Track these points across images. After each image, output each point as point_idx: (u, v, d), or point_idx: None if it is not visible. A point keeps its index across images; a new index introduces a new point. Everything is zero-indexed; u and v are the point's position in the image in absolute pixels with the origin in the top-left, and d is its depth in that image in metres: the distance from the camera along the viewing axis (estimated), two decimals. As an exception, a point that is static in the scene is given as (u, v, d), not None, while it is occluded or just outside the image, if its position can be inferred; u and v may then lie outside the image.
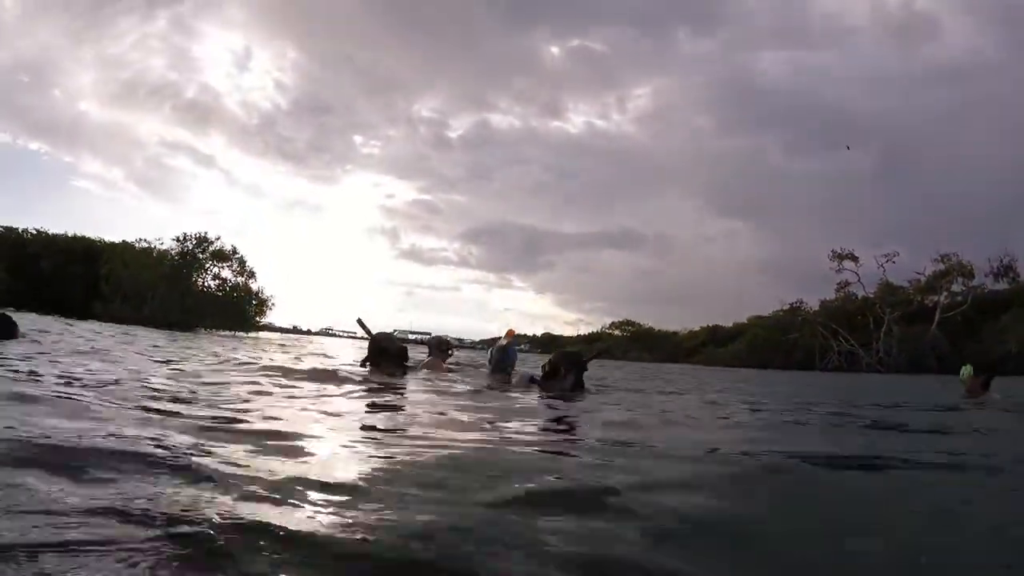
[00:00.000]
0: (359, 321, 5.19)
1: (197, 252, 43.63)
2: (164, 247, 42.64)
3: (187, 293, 39.59)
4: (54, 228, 45.78)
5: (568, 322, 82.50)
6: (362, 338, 5.35)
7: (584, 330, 63.10)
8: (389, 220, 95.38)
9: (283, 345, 16.61)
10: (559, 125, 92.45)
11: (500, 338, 6.56)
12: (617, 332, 56.99)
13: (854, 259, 42.40)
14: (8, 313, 5.95)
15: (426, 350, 6.56)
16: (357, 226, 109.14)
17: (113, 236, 43.87)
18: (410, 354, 5.68)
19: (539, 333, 67.44)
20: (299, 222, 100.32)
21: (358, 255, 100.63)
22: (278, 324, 57.03)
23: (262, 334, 34.72)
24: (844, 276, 42.84)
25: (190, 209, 79.48)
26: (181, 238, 43.24)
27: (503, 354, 5.99)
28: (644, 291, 79.01)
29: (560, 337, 60.20)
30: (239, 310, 42.23)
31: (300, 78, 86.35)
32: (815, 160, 75.59)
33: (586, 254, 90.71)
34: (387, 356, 4.89)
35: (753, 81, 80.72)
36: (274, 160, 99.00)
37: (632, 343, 51.05)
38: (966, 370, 6.60)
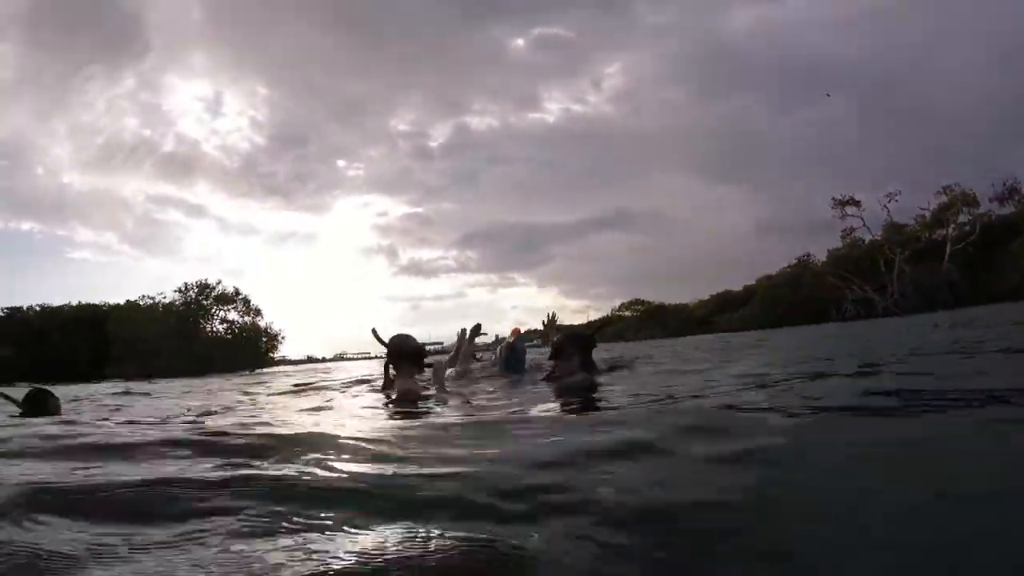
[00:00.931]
0: (373, 331, 5.15)
1: (201, 299, 44.66)
2: (168, 300, 43.65)
3: (196, 340, 40.24)
4: (58, 301, 47.17)
5: (576, 310, 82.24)
6: (379, 356, 5.38)
7: (593, 315, 62.98)
8: (384, 238, 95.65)
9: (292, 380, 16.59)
10: (537, 116, 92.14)
11: (507, 337, 6.60)
12: (627, 313, 56.87)
13: (856, 204, 42.06)
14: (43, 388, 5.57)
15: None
16: (354, 248, 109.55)
17: (117, 298, 45.63)
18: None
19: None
20: (296, 254, 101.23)
21: (359, 277, 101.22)
22: (292, 357, 57.79)
23: (278, 368, 35.09)
24: (848, 222, 42.59)
25: (187, 259, 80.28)
26: (183, 288, 44.75)
27: (511, 352, 6.04)
28: (648, 269, 78.80)
29: (572, 327, 59.50)
30: (250, 349, 42.93)
31: (274, 113, 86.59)
32: (798, 113, 75.29)
33: (583, 241, 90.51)
34: (404, 357, 4.76)
35: (722, 43, 79.80)
36: (261, 198, 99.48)
37: (644, 322, 51.05)
38: None
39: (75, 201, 77.78)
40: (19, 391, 6.54)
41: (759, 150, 78.01)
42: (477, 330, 6.48)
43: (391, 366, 4.80)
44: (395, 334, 4.87)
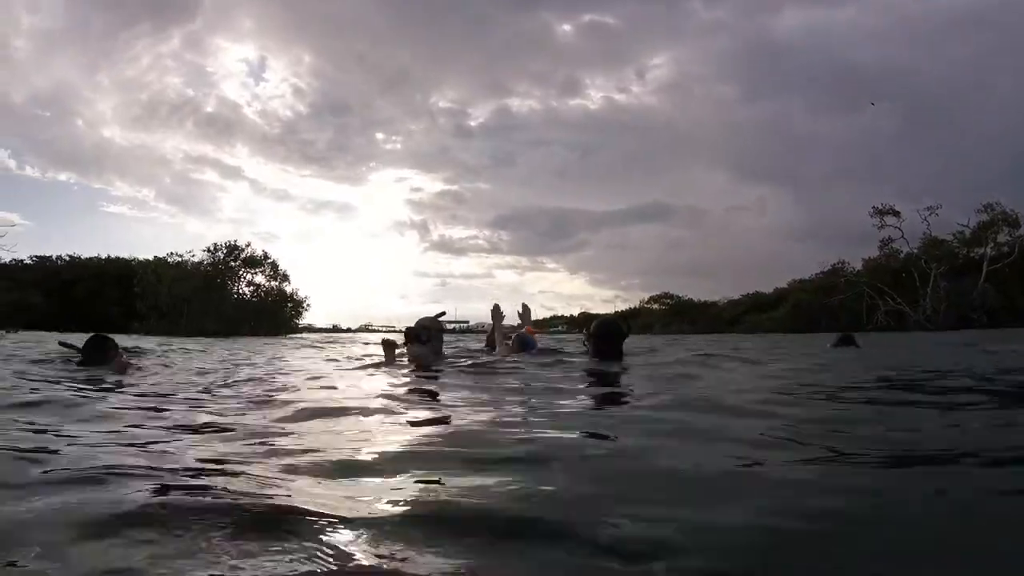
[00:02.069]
0: (441, 314, 6.04)
1: (229, 261, 45.67)
2: (196, 259, 44.80)
3: (222, 302, 41.47)
4: (91, 253, 48.29)
5: (605, 300, 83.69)
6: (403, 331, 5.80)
7: (621, 306, 63.87)
8: (418, 213, 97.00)
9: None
10: (579, 103, 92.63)
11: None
12: (656, 306, 58.01)
13: (896, 214, 42.46)
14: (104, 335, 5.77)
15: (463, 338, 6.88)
16: (387, 222, 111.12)
17: (148, 255, 45.93)
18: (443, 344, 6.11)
19: (576, 313, 68.88)
20: (329, 223, 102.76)
21: (390, 250, 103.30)
22: (318, 325, 59.54)
23: (303, 335, 36.22)
24: (886, 232, 42.91)
25: (221, 220, 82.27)
26: (212, 248, 45.35)
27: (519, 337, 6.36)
28: (679, 263, 79.75)
29: (599, 316, 60.13)
30: (276, 314, 44.08)
31: (316, 82, 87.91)
32: (842, 120, 74.80)
33: (617, 231, 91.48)
34: (411, 339, 5.46)
35: (772, 43, 79.74)
36: (298, 164, 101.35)
37: (672, 316, 52.13)
38: None
39: (114, 155, 79.54)
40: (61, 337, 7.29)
41: (800, 154, 78.19)
42: (496, 311, 6.54)
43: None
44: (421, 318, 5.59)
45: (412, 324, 5.52)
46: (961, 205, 41.98)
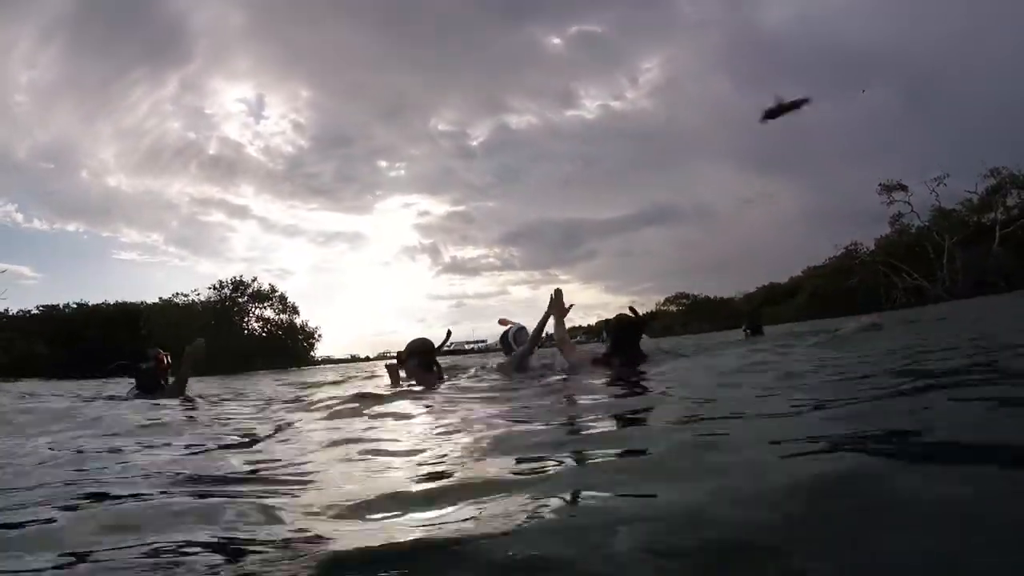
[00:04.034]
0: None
1: (236, 297, 46.29)
2: (202, 297, 45.43)
3: (233, 338, 41.36)
4: (100, 300, 48.91)
5: (621, 307, 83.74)
6: None
7: (638, 311, 64.98)
8: (427, 237, 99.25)
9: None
10: (575, 114, 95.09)
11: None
12: (672, 307, 59.25)
13: (903, 188, 43.05)
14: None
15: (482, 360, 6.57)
16: (397, 248, 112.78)
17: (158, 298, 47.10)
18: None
19: (593, 322, 70.09)
20: (341, 254, 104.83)
21: (403, 276, 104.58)
22: (337, 356, 60.03)
23: (320, 367, 36.62)
24: (895, 208, 43.64)
25: (232, 259, 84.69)
26: (217, 285, 45.78)
27: (505, 343, 6.33)
28: (692, 263, 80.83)
29: (616, 316, 61.32)
30: (287, 347, 45.06)
31: (316, 115, 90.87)
32: (840, 103, 76.41)
33: (626, 236, 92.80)
34: (399, 362, 5.52)
35: (762, 34, 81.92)
36: (305, 199, 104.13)
37: (689, 316, 53.29)
38: None
39: (121, 203, 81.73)
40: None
41: (801, 140, 79.05)
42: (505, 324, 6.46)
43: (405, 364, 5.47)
44: (415, 338, 5.53)
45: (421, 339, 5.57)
46: (968, 174, 42.70)
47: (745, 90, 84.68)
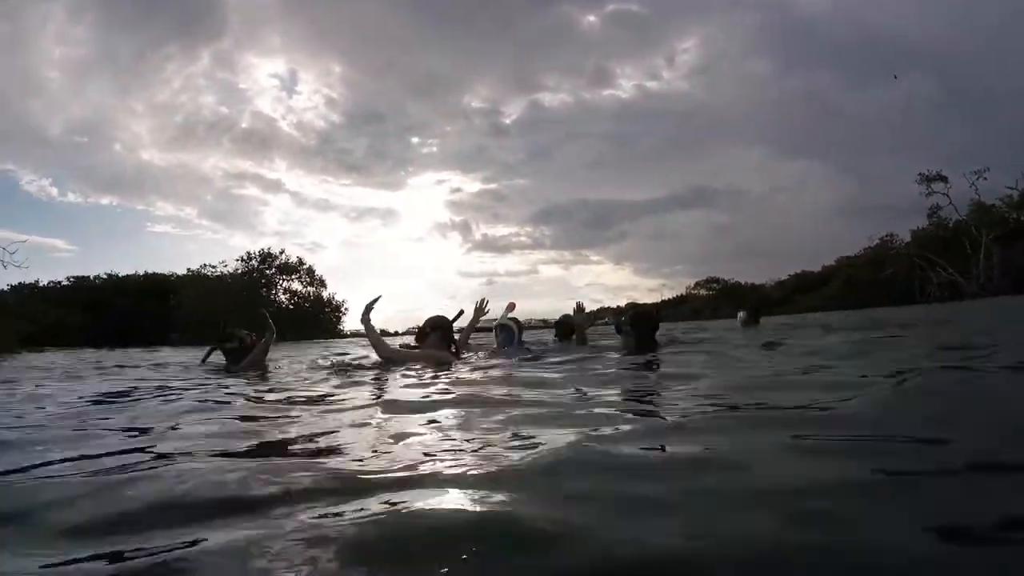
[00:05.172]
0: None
1: (264, 269, 47.06)
2: (230, 269, 46.48)
3: (261, 308, 42.63)
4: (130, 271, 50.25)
5: (651, 289, 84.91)
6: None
7: (668, 294, 64.86)
8: (459, 214, 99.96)
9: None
10: (610, 93, 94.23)
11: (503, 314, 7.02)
12: (703, 292, 59.82)
13: (943, 180, 42.99)
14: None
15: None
16: (429, 224, 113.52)
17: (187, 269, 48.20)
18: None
19: (623, 304, 70.72)
20: (373, 229, 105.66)
21: (435, 252, 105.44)
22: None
23: (351, 340, 37.31)
24: (934, 200, 43.62)
25: (265, 233, 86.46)
26: (245, 257, 46.93)
27: (502, 332, 6.65)
28: (723, 247, 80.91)
29: (644, 305, 61.88)
30: (315, 319, 46.13)
31: (349, 91, 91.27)
32: (878, 91, 75.49)
33: (659, 218, 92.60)
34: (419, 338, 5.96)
35: (801, 17, 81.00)
36: (337, 174, 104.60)
37: (719, 300, 53.84)
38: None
39: (154, 176, 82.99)
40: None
41: (839, 127, 79.09)
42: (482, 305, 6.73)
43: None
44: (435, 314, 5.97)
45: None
46: (1008, 169, 42.49)
47: (782, 73, 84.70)
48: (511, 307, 7.09)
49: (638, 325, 6.01)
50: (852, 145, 77.78)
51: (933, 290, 40.27)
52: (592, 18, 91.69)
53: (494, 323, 6.97)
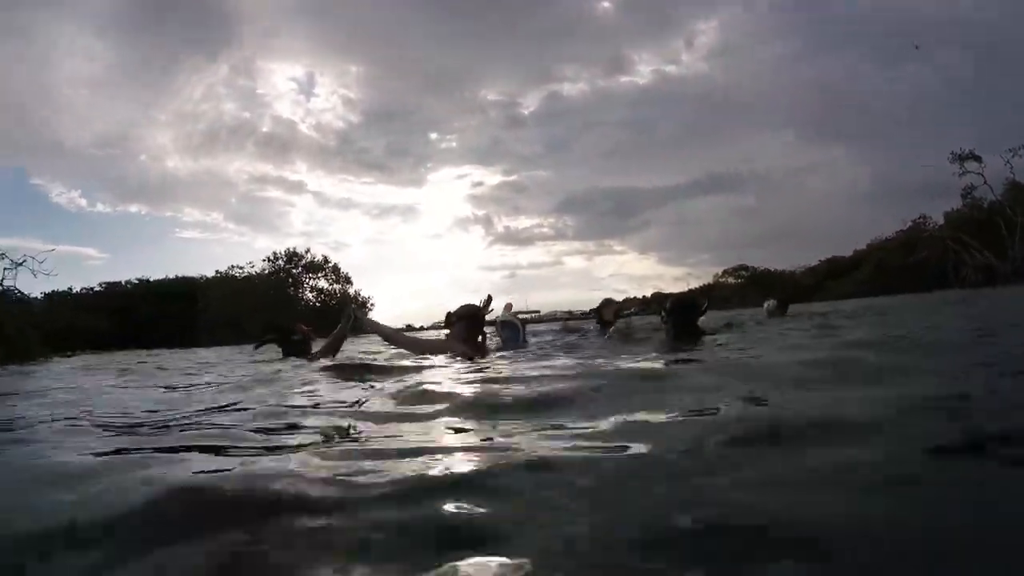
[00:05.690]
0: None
1: (290, 268, 48.80)
2: (257, 270, 48.01)
3: (289, 307, 43.50)
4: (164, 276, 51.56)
5: (676, 278, 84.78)
6: None
7: (694, 283, 64.47)
8: (480, 208, 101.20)
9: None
10: (629, 80, 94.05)
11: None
12: (731, 279, 59.60)
13: (977, 159, 41.94)
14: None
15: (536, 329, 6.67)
16: (450, 219, 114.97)
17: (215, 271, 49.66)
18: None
19: (648, 294, 70.60)
20: (395, 226, 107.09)
21: (457, 247, 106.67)
22: (392, 326, 60.92)
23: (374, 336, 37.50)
24: (967, 180, 42.60)
25: (292, 234, 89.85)
26: (271, 257, 48.66)
27: (504, 329, 6.53)
28: (750, 234, 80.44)
29: (671, 296, 61.17)
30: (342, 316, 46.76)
31: (365, 91, 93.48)
32: (906, 71, 74.53)
33: (681, 205, 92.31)
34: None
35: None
36: (358, 173, 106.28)
37: (749, 289, 53.48)
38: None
39: (180, 183, 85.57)
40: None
41: (865, 108, 78.19)
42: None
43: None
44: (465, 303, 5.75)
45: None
46: None
47: (805, 54, 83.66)
48: (509, 307, 7.00)
49: (675, 313, 5.58)
50: (882, 126, 76.81)
51: (968, 273, 39.48)
52: (607, 4, 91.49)
53: (497, 319, 6.76)
